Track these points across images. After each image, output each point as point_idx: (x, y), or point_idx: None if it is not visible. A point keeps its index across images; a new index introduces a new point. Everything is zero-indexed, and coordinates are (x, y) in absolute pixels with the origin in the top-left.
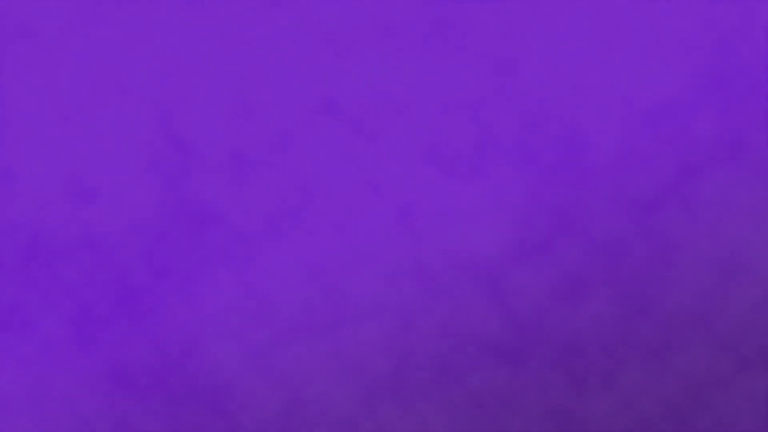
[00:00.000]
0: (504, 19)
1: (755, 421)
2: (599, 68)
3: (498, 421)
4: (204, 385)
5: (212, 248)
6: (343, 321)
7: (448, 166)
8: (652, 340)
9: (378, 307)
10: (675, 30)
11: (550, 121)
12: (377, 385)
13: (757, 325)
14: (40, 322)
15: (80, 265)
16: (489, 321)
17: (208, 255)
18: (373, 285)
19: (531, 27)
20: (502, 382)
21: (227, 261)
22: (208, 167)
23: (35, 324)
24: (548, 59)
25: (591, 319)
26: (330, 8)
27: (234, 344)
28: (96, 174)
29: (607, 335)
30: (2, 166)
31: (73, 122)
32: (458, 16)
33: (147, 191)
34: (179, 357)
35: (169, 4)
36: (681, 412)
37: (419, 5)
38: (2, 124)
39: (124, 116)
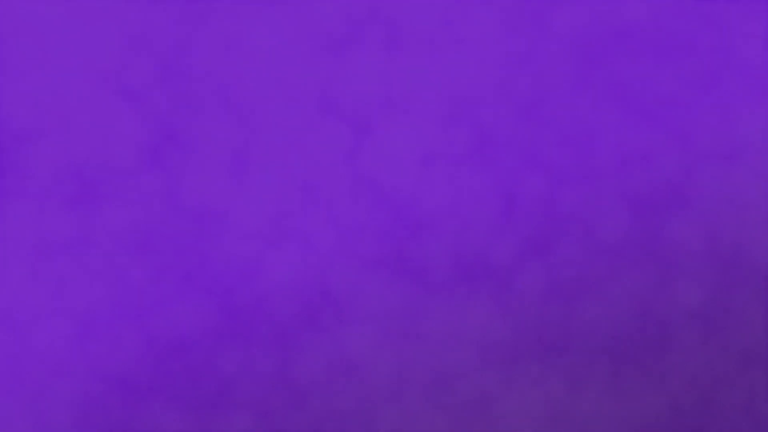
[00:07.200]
0: (499, 18)
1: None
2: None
3: (498, 421)
4: (204, 384)
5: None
6: (343, 320)
7: (448, 166)
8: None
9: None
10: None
11: (551, 121)
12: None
13: (757, 323)
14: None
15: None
16: (492, 321)
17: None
18: (372, 285)
19: (531, 27)
20: (505, 383)
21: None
22: (208, 166)
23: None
24: (550, 56)
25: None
26: (329, 6)
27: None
28: (96, 172)
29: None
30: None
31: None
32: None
33: (147, 190)
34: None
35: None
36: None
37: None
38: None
39: (123, 115)
